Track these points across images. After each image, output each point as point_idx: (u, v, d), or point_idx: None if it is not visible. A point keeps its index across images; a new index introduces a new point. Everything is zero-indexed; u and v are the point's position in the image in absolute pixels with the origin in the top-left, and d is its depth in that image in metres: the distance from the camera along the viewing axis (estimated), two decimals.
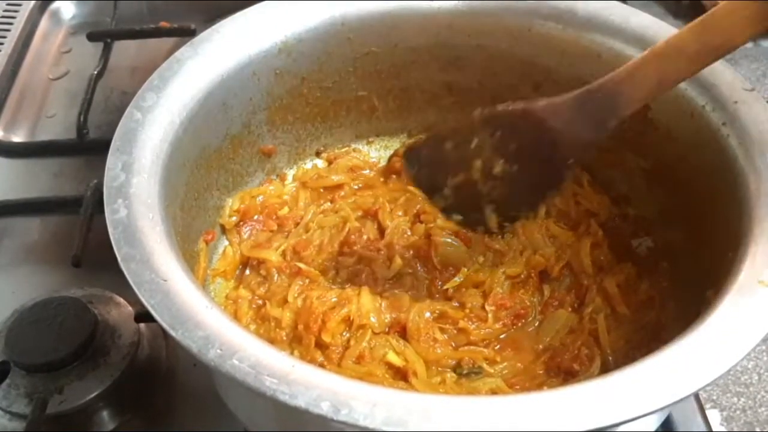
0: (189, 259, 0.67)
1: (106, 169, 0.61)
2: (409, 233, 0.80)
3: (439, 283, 0.76)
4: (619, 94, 0.61)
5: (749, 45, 2.71)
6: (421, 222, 0.80)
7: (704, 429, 0.71)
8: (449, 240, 0.77)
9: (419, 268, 0.77)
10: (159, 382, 0.74)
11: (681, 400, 0.48)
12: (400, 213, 0.82)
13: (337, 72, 0.84)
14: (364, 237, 0.79)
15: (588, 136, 0.63)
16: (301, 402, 0.47)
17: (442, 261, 0.77)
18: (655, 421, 0.62)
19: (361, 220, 0.82)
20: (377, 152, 0.92)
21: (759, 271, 0.55)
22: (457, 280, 0.75)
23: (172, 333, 0.50)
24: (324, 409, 0.46)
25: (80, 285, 0.79)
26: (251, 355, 0.49)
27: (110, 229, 0.57)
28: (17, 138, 1.01)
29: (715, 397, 1.73)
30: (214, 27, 0.76)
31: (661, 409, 0.47)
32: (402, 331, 0.72)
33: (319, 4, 0.79)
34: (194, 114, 0.70)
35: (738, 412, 1.78)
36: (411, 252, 0.78)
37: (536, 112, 0.64)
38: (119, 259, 0.55)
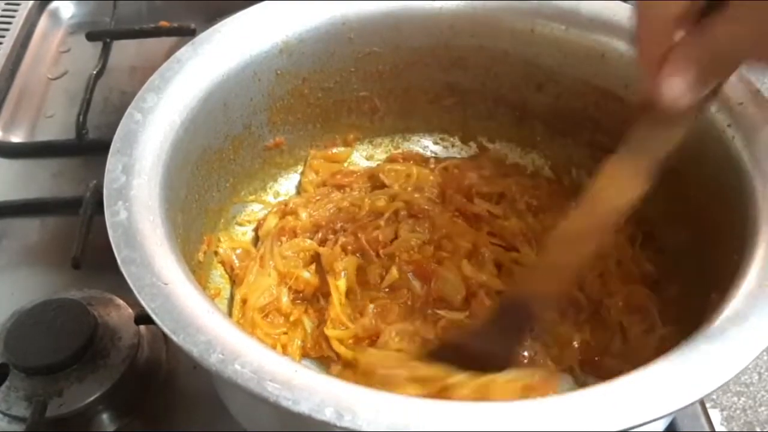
0: (189, 261, 0.66)
1: (106, 170, 0.61)
2: (415, 251, 0.78)
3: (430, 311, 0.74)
4: (531, 301, 0.63)
5: None
6: (439, 248, 0.78)
7: (707, 429, 0.71)
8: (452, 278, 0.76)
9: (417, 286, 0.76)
10: (159, 384, 0.74)
11: (687, 406, 0.47)
12: (419, 230, 0.80)
13: (339, 72, 0.83)
14: (374, 233, 0.79)
15: (511, 344, 0.65)
16: (304, 408, 0.46)
17: (437, 290, 0.75)
18: (660, 425, 0.62)
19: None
20: (378, 153, 0.91)
21: (765, 274, 0.55)
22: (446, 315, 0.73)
23: (173, 337, 0.50)
24: (327, 415, 0.46)
25: (80, 287, 0.79)
26: (253, 360, 0.48)
27: (110, 232, 0.56)
28: (16, 138, 1.01)
29: (715, 397, 1.73)
30: (214, 27, 0.75)
31: (667, 415, 0.47)
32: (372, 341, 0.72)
33: (320, 4, 0.79)
34: (195, 115, 0.69)
35: (738, 411, 1.78)
36: (411, 269, 0.77)
37: (464, 344, 0.65)
38: (119, 262, 0.54)
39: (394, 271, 0.76)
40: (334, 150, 0.89)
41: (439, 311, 0.74)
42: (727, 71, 0.55)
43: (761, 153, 0.64)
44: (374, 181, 0.86)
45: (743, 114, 0.66)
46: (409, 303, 0.75)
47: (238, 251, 0.80)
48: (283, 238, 0.80)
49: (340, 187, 0.86)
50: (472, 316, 0.73)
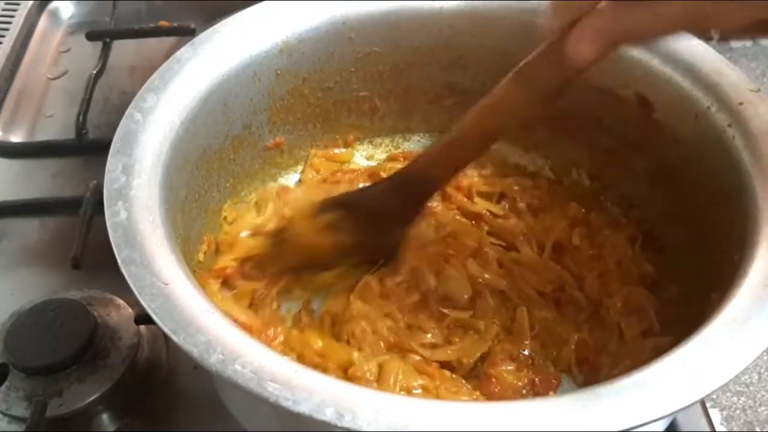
0: (189, 262, 0.66)
1: (106, 171, 0.61)
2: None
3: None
4: (426, 178, 0.71)
5: (748, 44, 2.71)
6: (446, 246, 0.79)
7: (708, 429, 0.71)
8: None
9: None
10: (159, 384, 0.74)
11: (689, 406, 0.47)
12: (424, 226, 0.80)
13: (339, 72, 0.83)
14: None
15: (408, 213, 0.73)
16: (304, 408, 0.46)
17: (443, 289, 0.75)
18: (661, 425, 0.62)
19: None
20: (378, 153, 0.91)
21: (766, 274, 0.55)
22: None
23: (174, 338, 0.50)
24: (328, 415, 0.46)
25: (80, 287, 0.78)
26: (253, 361, 0.48)
27: (110, 232, 0.56)
28: (15, 138, 1.00)
29: (715, 397, 1.73)
30: (214, 27, 0.75)
31: (669, 415, 0.47)
32: None
33: (320, 3, 0.79)
34: (195, 115, 0.69)
35: (738, 411, 1.78)
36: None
37: (359, 202, 0.74)
38: (120, 262, 0.54)
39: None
40: (336, 150, 0.89)
41: (444, 309, 0.74)
42: (640, 43, 0.61)
43: (761, 153, 0.64)
44: (375, 179, 0.86)
45: (743, 114, 0.66)
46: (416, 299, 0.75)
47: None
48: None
49: (338, 183, 0.86)
50: (476, 315, 0.73)
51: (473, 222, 0.82)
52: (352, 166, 0.89)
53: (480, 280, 0.75)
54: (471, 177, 0.85)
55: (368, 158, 0.91)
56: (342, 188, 0.84)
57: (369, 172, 0.87)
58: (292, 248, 0.74)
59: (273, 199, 0.82)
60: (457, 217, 0.82)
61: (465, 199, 0.83)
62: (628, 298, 0.74)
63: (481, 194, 0.84)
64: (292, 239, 0.74)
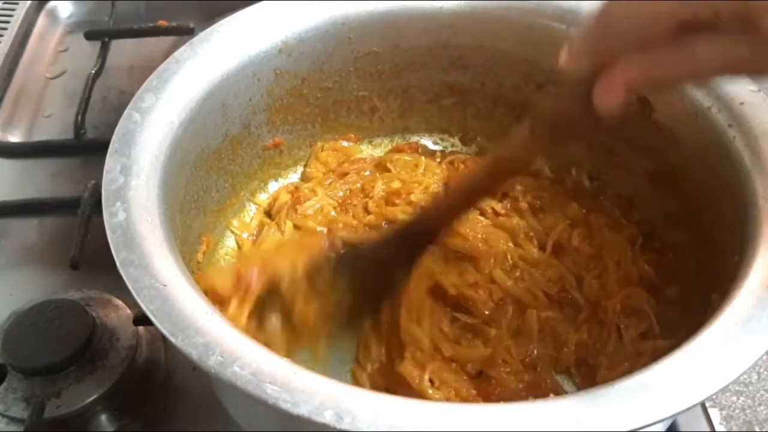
0: (188, 262, 0.66)
1: (105, 171, 0.61)
2: None
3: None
4: (427, 229, 0.71)
5: None
6: None
7: (707, 429, 0.71)
8: None
9: None
10: (158, 385, 0.74)
11: (689, 408, 0.47)
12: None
13: (338, 72, 0.83)
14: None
15: (407, 260, 0.72)
16: (303, 410, 0.46)
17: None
18: (662, 425, 0.62)
19: None
20: (378, 153, 0.91)
21: (766, 276, 0.54)
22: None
23: (172, 339, 0.50)
24: (327, 417, 0.45)
25: (78, 287, 0.78)
26: (252, 362, 0.48)
27: (109, 233, 0.56)
28: (14, 138, 1.00)
29: (714, 396, 1.71)
30: (213, 27, 0.75)
31: (668, 418, 0.47)
32: None
33: (319, 3, 0.79)
34: (194, 115, 0.69)
35: (737, 411, 1.77)
36: None
37: (357, 259, 0.70)
38: (118, 263, 0.54)
39: None
40: (343, 143, 0.89)
41: (456, 314, 0.74)
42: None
43: (762, 153, 0.63)
44: (381, 169, 0.87)
45: (744, 114, 0.66)
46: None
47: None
48: (298, 206, 0.81)
49: (347, 174, 0.86)
50: (490, 323, 0.73)
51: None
52: (359, 157, 0.89)
53: (502, 288, 0.75)
54: None
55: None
56: (351, 179, 0.85)
57: (376, 163, 0.87)
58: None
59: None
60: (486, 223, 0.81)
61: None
62: (627, 299, 0.74)
63: None
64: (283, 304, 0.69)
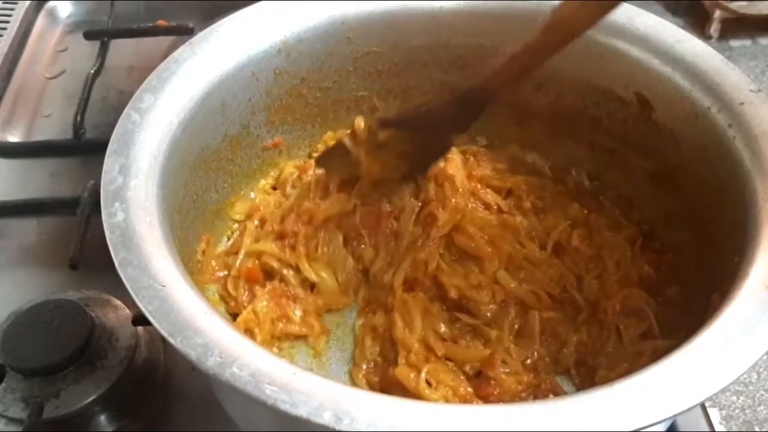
0: (187, 263, 0.66)
1: (103, 171, 0.60)
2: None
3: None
4: (486, 91, 0.71)
5: (747, 43, 2.71)
6: None
7: (707, 429, 0.71)
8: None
9: None
10: (157, 385, 0.73)
11: (688, 409, 0.47)
12: None
13: (337, 72, 0.83)
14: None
15: (464, 122, 0.75)
16: (302, 411, 0.46)
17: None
18: (662, 425, 0.62)
19: None
20: None
21: (766, 276, 0.54)
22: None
23: (171, 340, 0.50)
24: (326, 418, 0.45)
25: (77, 287, 0.78)
26: (251, 363, 0.48)
27: (107, 234, 0.56)
28: (13, 138, 1.00)
29: (713, 396, 1.72)
30: (212, 27, 0.75)
31: (668, 419, 0.47)
32: None
33: (319, 3, 0.79)
34: (192, 115, 0.69)
35: (737, 410, 1.77)
36: None
37: (417, 119, 0.75)
38: (116, 264, 0.54)
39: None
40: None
41: (458, 314, 0.74)
42: None
43: (762, 153, 0.63)
44: None
45: (744, 114, 0.66)
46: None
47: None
48: (304, 175, 0.82)
49: None
50: (491, 324, 0.73)
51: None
52: None
53: (506, 290, 0.75)
54: (484, 169, 0.85)
55: None
56: None
57: None
58: (353, 163, 0.76)
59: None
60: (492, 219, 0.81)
61: (478, 186, 0.83)
62: (627, 300, 0.73)
63: (491, 187, 0.84)
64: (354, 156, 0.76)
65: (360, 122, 0.77)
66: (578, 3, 0.64)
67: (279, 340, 0.74)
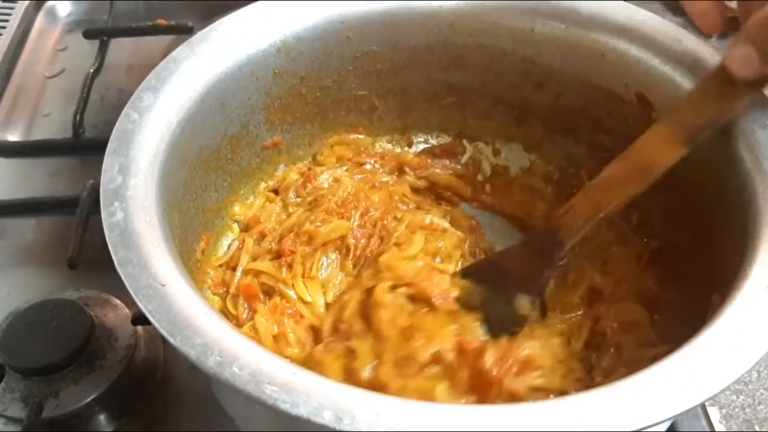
0: (186, 262, 0.66)
1: (103, 171, 0.60)
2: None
3: None
4: (559, 230, 0.69)
5: None
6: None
7: (707, 429, 0.70)
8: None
9: None
10: (156, 385, 0.74)
11: (688, 410, 0.47)
12: None
13: (337, 71, 0.83)
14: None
15: (541, 269, 0.71)
16: (302, 411, 0.46)
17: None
18: (662, 425, 0.61)
19: None
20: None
21: (767, 277, 0.54)
22: None
23: (171, 339, 0.49)
24: (326, 418, 0.45)
25: (76, 287, 0.78)
26: (251, 363, 0.48)
27: (107, 233, 0.56)
28: (12, 137, 1.00)
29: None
30: (211, 26, 0.75)
31: (668, 419, 0.47)
32: None
33: (318, 2, 0.78)
34: (192, 114, 0.69)
35: (737, 409, 1.77)
36: None
37: (499, 263, 0.73)
38: (116, 263, 0.54)
39: None
40: (353, 136, 0.89)
41: None
42: None
43: (762, 153, 0.63)
44: (401, 165, 0.87)
45: (744, 114, 0.66)
46: None
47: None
48: (309, 184, 0.82)
49: (362, 164, 0.86)
50: None
51: None
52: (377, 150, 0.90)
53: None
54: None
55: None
56: (366, 170, 0.85)
57: (398, 159, 0.87)
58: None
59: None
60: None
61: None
62: (620, 315, 0.72)
63: None
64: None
65: None
66: (662, 139, 0.64)
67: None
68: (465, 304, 0.69)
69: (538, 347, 0.66)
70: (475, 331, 0.67)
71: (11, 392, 0.69)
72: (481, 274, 0.71)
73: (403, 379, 0.63)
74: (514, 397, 0.62)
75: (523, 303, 0.69)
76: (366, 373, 0.64)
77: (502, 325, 0.68)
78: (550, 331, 0.71)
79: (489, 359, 0.63)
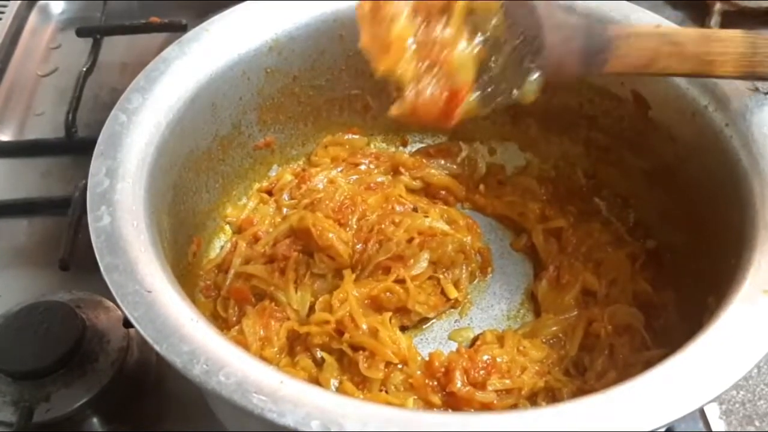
0: (176, 265, 0.65)
1: (90, 174, 0.60)
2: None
3: None
4: (614, 48, 0.61)
5: None
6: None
7: (704, 429, 0.70)
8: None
9: None
10: (148, 388, 0.73)
11: (686, 415, 0.46)
12: None
13: (330, 70, 0.82)
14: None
15: (571, 65, 0.63)
16: (289, 421, 0.45)
17: None
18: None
19: None
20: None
21: (763, 279, 0.54)
22: None
23: (157, 347, 0.49)
24: (313, 427, 0.45)
25: (68, 288, 0.78)
26: (238, 371, 0.48)
27: (93, 238, 0.56)
28: (4, 137, 1.00)
29: None
30: (202, 25, 0.74)
31: (665, 425, 0.46)
32: None
33: (310, 1, 0.78)
34: (181, 115, 0.68)
35: (737, 405, 1.77)
36: None
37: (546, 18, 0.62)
38: (102, 269, 0.54)
39: None
40: (347, 136, 0.88)
41: None
42: None
43: (759, 153, 0.63)
44: (396, 166, 0.86)
45: (741, 113, 0.65)
46: None
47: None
48: (303, 185, 0.81)
49: (357, 165, 0.86)
50: None
51: None
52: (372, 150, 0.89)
53: None
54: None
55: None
56: (361, 171, 0.84)
57: (393, 159, 0.86)
58: None
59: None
60: None
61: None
62: (613, 318, 0.72)
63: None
64: None
65: None
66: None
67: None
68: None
69: (503, 351, 0.68)
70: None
71: (2, 396, 0.69)
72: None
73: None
74: (485, 407, 0.64)
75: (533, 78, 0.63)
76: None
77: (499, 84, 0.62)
78: (523, 333, 0.72)
79: (458, 380, 0.65)
